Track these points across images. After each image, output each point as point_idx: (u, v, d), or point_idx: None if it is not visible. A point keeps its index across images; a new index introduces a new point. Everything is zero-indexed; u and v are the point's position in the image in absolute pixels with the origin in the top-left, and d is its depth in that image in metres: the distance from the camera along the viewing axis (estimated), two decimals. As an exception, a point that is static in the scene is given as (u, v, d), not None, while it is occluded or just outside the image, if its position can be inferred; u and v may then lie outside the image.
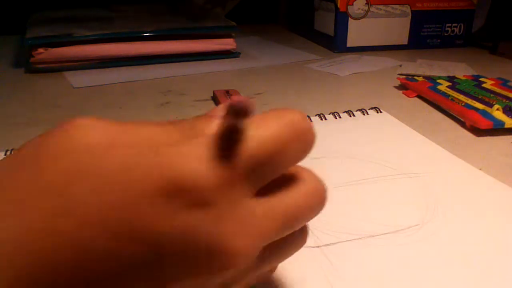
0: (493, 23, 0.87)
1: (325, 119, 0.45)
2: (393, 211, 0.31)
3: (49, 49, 0.64)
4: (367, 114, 0.47)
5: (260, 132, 0.16)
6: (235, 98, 0.15)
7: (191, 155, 0.15)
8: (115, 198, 0.14)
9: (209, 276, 0.16)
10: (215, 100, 0.53)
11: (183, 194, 0.15)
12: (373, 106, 0.49)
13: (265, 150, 0.16)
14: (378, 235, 0.28)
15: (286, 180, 0.18)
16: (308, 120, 0.18)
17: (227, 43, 0.74)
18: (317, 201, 0.19)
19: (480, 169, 0.36)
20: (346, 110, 0.47)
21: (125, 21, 0.75)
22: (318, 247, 0.26)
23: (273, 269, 0.23)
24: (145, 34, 0.69)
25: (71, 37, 0.65)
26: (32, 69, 0.65)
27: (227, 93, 0.53)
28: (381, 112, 0.48)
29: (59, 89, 0.59)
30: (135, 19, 0.77)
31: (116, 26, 0.71)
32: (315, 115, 0.46)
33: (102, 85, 0.60)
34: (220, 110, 0.18)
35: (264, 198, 0.17)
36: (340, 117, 0.46)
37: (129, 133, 0.16)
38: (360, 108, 0.48)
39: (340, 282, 0.24)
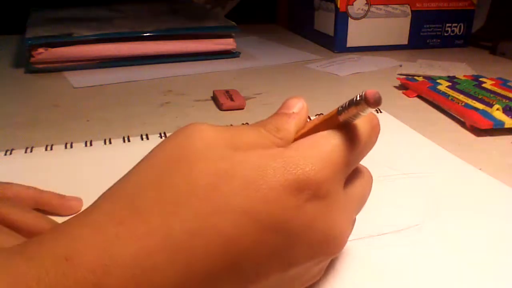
0: (493, 23, 0.87)
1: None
2: (394, 211, 0.31)
3: (49, 49, 0.64)
4: None
5: (356, 130, 0.19)
6: (369, 91, 0.17)
7: (314, 157, 0.18)
8: (260, 195, 0.16)
9: (323, 259, 0.19)
10: (215, 100, 0.53)
11: (306, 188, 0.17)
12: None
13: (360, 145, 0.19)
14: (378, 235, 0.28)
15: (354, 171, 0.21)
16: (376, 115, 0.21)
17: (227, 43, 0.74)
18: (371, 189, 0.23)
19: (480, 169, 0.36)
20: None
21: (125, 21, 0.75)
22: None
23: None
24: (145, 34, 0.69)
25: (71, 37, 0.65)
26: (32, 69, 0.65)
27: (227, 93, 0.53)
28: (381, 112, 0.48)
29: (59, 89, 0.59)
30: (135, 19, 0.77)
31: (116, 26, 0.71)
32: (315, 115, 0.46)
33: (102, 85, 0.60)
34: (292, 107, 0.21)
35: (345, 186, 0.20)
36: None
37: (237, 136, 0.18)
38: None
39: (340, 282, 0.24)
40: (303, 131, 0.20)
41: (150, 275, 0.15)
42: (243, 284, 0.17)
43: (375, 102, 0.17)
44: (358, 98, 0.17)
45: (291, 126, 0.20)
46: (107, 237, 0.15)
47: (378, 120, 0.21)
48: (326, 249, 0.18)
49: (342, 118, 0.19)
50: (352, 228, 0.22)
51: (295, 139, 0.20)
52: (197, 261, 0.16)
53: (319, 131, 0.19)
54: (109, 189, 0.18)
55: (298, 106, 0.21)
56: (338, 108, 0.19)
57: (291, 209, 0.17)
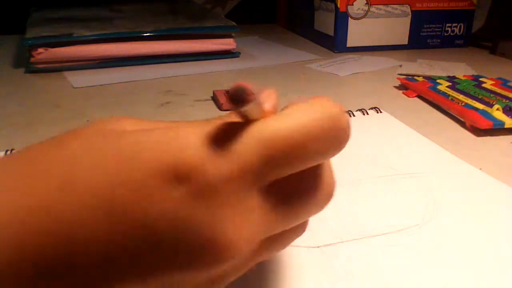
0: (493, 23, 0.87)
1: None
2: (394, 211, 0.31)
3: (49, 49, 0.64)
4: (367, 114, 0.47)
5: (283, 123, 0.15)
6: (234, 84, 0.14)
7: (200, 140, 0.14)
8: (120, 178, 0.14)
9: (201, 271, 0.15)
10: (215, 100, 0.53)
11: (188, 180, 0.14)
12: (373, 106, 0.49)
13: (283, 143, 0.15)
14: (378, 235, 0.28)
15: (303, 178, 0.17)
16: (347, 116, 0.16)
17: (227, 43, 0.74)
18: (325, 201, 0.18)
19: (480, 169, 0.36)
20: (347, 110, 0.47)
21: (125, 21, 0.75)
22: (318, 247, 0.26)
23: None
24: (145, 34, 0.69)
25: (71, 37, 0.65)
26: (32, 69, 0.65)
27: (227, 93, 0.53)
28: (381, 112, 0.48)
29: (59, 89, 0.59)
30: (135, 19, 0.77)
31: (116, 26, 0.71)
32: None
33: (102, 85, 0.60)
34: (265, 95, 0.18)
35: (275, 193, 0.16)
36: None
37: (144, 125, 0.16)
38: (360, 108, 0.48)
39: (342, 283, 0.24)
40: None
41: None
42: (83, 286, 0.14)
43: (232, 97, 0.14)
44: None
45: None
46: None
47: (343, 122, 0.16)
48: (205, 259, 0.14)
49: (236, 113, 0.15)
50: (296, 236, 0.18)
51: None
52: (30, 245, 0.13)
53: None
54: None
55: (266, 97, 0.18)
56: None
57: (161, 202, 0.14)
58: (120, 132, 0.15)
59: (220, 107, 0.51)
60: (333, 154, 0.16)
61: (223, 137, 0.15)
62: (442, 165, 0.37)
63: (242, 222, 0.15)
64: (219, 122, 0.15)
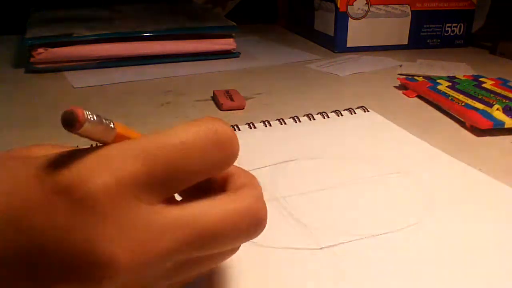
0: (493, 23, 0.87)
1: (314, 119, 0.45)
2: (392, 211, 0.31)
3: (49, 49, 0.64)
4: (355, 113, 0.47)
5: (166, 137, 0.16)
6: (65, 110, 0.15)
7: (84, 157, 0.15)
8: (8, 191, 0.15)
9: (81, 285, 0.15)
10: (215, 100, 0.53)
11: (69, 192, 0.14)
12: (359, 105, 0.48)
13: (166, 157, 0.16)
14: (378, 235, 0.28)
15: (214, 192, 0.17)
16: (231, 130, 0.17)
17: (227, 43, 0.74)
18: (248, 223, 0.17)
19: (480, 169, 0.36)
20: (344, 109, 0.47)
21: (125, 21, 0.75)
22: (320, 248, 0.26)
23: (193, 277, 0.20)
24: (145, 34, 0.69)
25: (71, 37, 0.65)
26: (32, 69, 0.65)
27: (227, 93, 0.53)
28: (368, 111, 0.48)
29: (59, 89, 0.59)
30: (135, 19, 0.77)
31: (116, 26, 0.71)
32: (304, 115, 0.45)
33: (102, 85, 0.60)
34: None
35: (174, 208, 0.16)
36: (328, 117, 0.46)
37: (50, 151, 0.17)
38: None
39: (343, 283, 0.24)
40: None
41: None
42: None
43: (64, 122, 0.15)
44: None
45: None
46: None
47: (228, 135, 0.17)
48: (83, 273, 0.14)
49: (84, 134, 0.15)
50: (162, 259, 0.16)
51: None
52: None
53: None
54: None
55: None
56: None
57: (42, 210, 0.14)
58: (19, 156, 0.17)
59: (220, 107, 0.51)
60: (223, 167, 0.17)
61: (100, 154, 0.15)
62: (441, 164, 0.37)
63: (126, 239, 0.15)
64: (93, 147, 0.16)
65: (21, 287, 0.15)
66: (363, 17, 0.79)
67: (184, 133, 0.16)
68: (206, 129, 0.16)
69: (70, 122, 0.14)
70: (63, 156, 0.15)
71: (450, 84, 0.56)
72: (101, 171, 0.15)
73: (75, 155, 0.15)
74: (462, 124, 0.46)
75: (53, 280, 0.15)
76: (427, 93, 0.54)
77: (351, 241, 0.27)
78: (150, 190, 0.15)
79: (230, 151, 0.17)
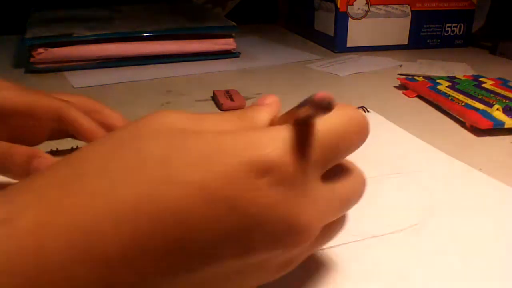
0: (493, 23, 0.87)
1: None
2: (393, 211, 0.31)
3: (49, 49, 0.64)
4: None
5: (328, 124, 0.18)
6: (319, 94, 0.16)
7: (277, 139, 0.17)
8: (215, 170, 0.16)
9: (285, 251, 0.18)
10: (215, 100, 0.53)
11: (270, 172, 0.16)
12: (360, 106, 0.49)
13: (333, 140, 0.19)
14: (379, 236, 0.28)
15: (341, 169, 0.21)
16: (365, 116, 0.20)
17: (227, 43, 0.74)
18: (362, 189, 0.21)
19: (480, 169, 0.36)
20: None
21: (125, 21, 0.75)
22: (321, 249, 0.26)
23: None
24: (145, 34, 0.69)
25: (71, 37, 0.65)
26: (32, 69, 0.65)
27: (227, 93, 0.53)
28: (368, 111, 0.48)
29: (59, 89, 0.59)
30: (135, 19, 0.77)
31: (116, 26, 0.71)
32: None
33: (102, 85, 0.60)
34: (266, 99, 0.22)
35: (326, 182, 0.19)
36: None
37: (201, 120, 0.18)
38: (359, 107, 0.48)
39: (344, 284, 0.24)
40: (275, 120, 0.20)
41: (93, 241, 0.14)
42: (193, 265, 0.16)
43: (320, 107, 0.16)
44: (309, 99, 0.16)
45: (262, 114, 0.20)
46: (49, 202, 0.15)
47: (365, 120, 0.20)
48: (287, 240, 0.17)
49: (300, 114, 0.17)
50: (340, 227, 0.22)
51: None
52: (144, 231, 0.15)
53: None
54: (57, 161, 0.18)
55: (270, 100, 0.22)
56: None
57: (250, 191, 0.16)
58: (188, 131, 0.17)
59: (220, 107, 0.51)
60: (359, 146, 0.21)
61: (293, 137, 0.17)
62: (441, 165, 0.37)
63: (313, 208, 0.18)
64: (286, 127, 0.18)
65: (225, 255, 0.16)
66: (363, 17, 0.79)
67: (336, 119, 0.19)
68: (349, 116, 0.19)
69: (328, 106, 0.16)
70: (251, 136, 0.17)
71: (450, 84, 0.56)
72: (294, 153, 0.17)
73: (260, 137, 0.17)
74: (462, 124, 0.46)
75: (259, 249, 0.17)
76: (427, 93, 0.54)
77: (351, 241, 0.27)
78: (321, 169, 0.19)
79: (366, 131, 0.20)
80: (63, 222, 0.14)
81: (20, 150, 0.29)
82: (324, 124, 0.18)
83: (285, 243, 0.17)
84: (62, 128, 0.31)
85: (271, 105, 0.21)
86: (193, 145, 0.16)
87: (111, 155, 0.16)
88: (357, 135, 0.20)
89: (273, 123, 0.20)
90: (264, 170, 0.16)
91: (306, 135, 0.18)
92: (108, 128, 0.33)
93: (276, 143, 0.17)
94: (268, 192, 0.16)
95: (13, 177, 0.30)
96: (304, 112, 0.17)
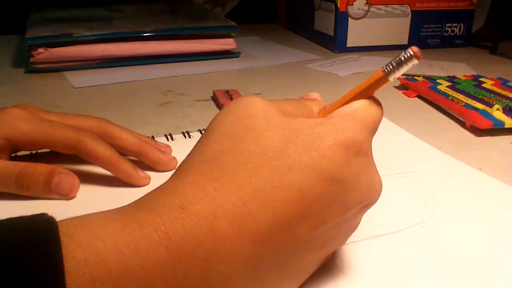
0: (493, 23, 0.87)
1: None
2: (394, 211, 0.31)
3: (49, 49, 0.64)
4: None
5: (371, 111, 0.23)
6: (413, 47, 0.21)
7: (353, 122, 0.22)
8: (320, 153, 0.20)
9: (366, 206, 0.22)
10: (215, 100, 0.53)
11: (353, 147, 0.21)
12: None
13: (378, 122, 0.23)
14: (381, 236, 0.28)
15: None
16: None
17: (227, 43, 0.74)
18: (377, 189, 0.24)
19: (480, 169, 0.36)
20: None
21: (125, 21, 0.75)
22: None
23: None
24: (145, 34, 0.69)
25: (71, 37, 0.65)
26: (32, 69, 0.65)
27: (227, 93, 0.53)
28: None
29: (59, 89, 0.59)
30: (135, 19, 0.77)
31: (116, 26, 0.71)
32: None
33: (102, 85, 0.60)
34: (313, 95, 0.26)
35: None
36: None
37: (280, 106, 0.22)
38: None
39: (345, 284, 0.24)
40: (340, 102, 0.24)
41: (248, 221, 0.18)
42: (313, 227, 0.20)
43: (421, 55, 0.21)
44: (407, 56, 0.21)
45: (313, 106, 0.25)
46: (207, 192, 0.18)
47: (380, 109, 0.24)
48: (369, 197, 0.22)
49: (392, 78, 0.22)
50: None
51: (329, 112, 0.24)
52: (281, 209, 0.19)
53: (351, 101, 0.23)
54: (186, 159, 0.21)
55: (315, 95, 0.26)
56: (384, 70, 0.22)
57: (344, 164, 0.20)
58: (285, 120, 0.21)
59: (220, 107, 0.51)
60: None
61: (363, 119, 0.22)
62: (441, 165, 0.37)
63: (377, 172, 0.23)
64: (357, 115, 0.22)
65: (333, 215, 0.21)
66: (363, 17, 0.79)
67: (379, 106, 0.23)
68: (380, 106, 0.24)
69: (420, 54, 0.21)
70: (334, 124, 0.21)
71: (450, 84, 0.56)
72: (362, 131, 0.22)
73: (341, 122, 0.21)
74: (462, 124, 0.46)
75: (354, 207, 0.21)
76: (427, 93, 0.54)
77: (352, 242, 0.27)
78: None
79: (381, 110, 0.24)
80: (225, 208, 0.18)
81: (39, 168, 0.31)
82: (376, 108, 0.23)
83: (368, 200, 0.22)
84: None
85: (320, 101, 0.26)
86: (299, 137, 0.20)
87: (236, 150, 0.20)
88: (376, 112, 0.24)
89: (321, 113, 0.25)
90: (349, 146, 0.21)
91: (371, 117, 0.23)
92: (125, 150, 0.35)
93: (355, 125, 0.21)
94: (354, 162, 0.21)
95: (33, 195, 0.30)
96: (396, 74, 0.22)
